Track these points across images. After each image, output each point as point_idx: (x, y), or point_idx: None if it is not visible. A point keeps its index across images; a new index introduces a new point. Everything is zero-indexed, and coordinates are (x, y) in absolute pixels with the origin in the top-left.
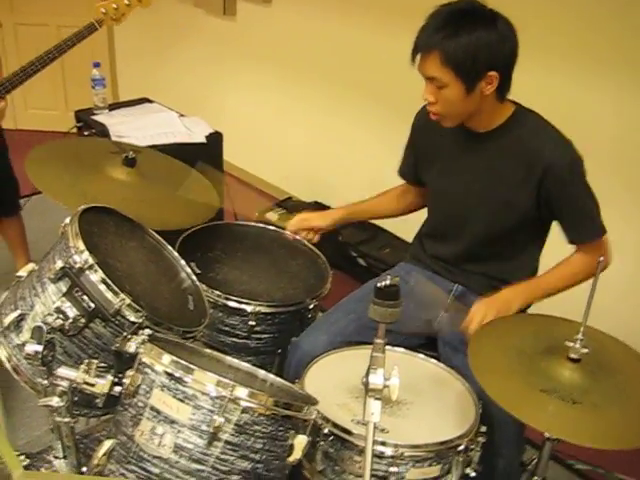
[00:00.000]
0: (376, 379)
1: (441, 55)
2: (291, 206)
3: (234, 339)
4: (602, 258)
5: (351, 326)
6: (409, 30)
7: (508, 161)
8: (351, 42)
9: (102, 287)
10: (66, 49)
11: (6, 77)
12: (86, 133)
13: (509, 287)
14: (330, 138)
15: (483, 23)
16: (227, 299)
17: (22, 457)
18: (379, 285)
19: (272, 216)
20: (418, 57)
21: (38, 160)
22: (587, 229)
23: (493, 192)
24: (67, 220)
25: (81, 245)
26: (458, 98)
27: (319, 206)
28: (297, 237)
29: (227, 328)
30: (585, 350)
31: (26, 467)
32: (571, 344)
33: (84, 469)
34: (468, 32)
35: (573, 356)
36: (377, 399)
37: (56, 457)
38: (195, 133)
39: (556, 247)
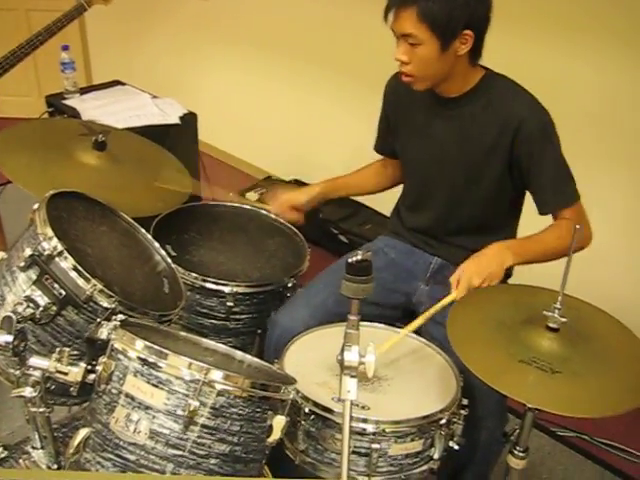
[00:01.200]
0: (351, 356)
1: (417, 10)
2: (270, 185)
3: (213, 321)
4: (579, 226)
5: (330, 299)
6: (381, 2)
7: (479, 125)
8: (324, 19)
9: (73, 274)
10: (56, 31)
11: None
12: (58, 118)
13: (497, 243)
14: (307, 115)
15: None
16: (204, 281)
17: (0, 449)
18: (350, 261)
19: (252, 196)
20: (391, 15)
21: (6, 146)
22: (558, 195)
23: (465, 157)
24: (35, 206)
25: (49, 232)
26: (432, 56)
27: (299, 184)
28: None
29: (205, 310)
30: (563, 319)
31: (4, 459)
32: (549, 313)
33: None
34: None
35: (552, 325)
36: (353, 377)
37: (34, 448)
38: (168, 114)
39: (533, 223)
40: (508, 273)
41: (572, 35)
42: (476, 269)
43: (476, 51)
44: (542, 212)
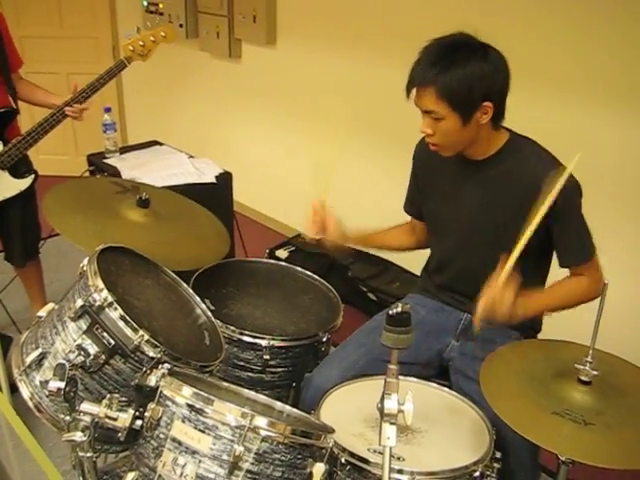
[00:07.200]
0: (390, 404)
1: (436, 90)
2: (300, 243)
3: (249, 373)
4: (606, 281)
5: (362, 360)
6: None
7: (505, 187)
8: (354, 79)
9: (121, 324)
10: (99, 87)
11: (45, 117)
12: (98, 177)
13: (521, 297)
14: (337, 173)
15: (475, 56)
16: (241, 334)
17: None
18: (391, 312)
19: (282, 254)
20: (413, 91)
21: (56, 204)
22: (577, 252)
23: (492, 219)
24: (85, 260)
25: (100, 284)
26: (455, 129)
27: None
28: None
29: (242, 363)
30: (595, 372)
31: None
32: (581, 367)
33: None
34: (462, 65)
35: (583, 378)
36: (392, 424)
37: None
38: (205, 174)
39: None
40: (536, 329)
41: (593, 93)
42: (495, 314)
43: (498, 117)
44: (562, 266)
